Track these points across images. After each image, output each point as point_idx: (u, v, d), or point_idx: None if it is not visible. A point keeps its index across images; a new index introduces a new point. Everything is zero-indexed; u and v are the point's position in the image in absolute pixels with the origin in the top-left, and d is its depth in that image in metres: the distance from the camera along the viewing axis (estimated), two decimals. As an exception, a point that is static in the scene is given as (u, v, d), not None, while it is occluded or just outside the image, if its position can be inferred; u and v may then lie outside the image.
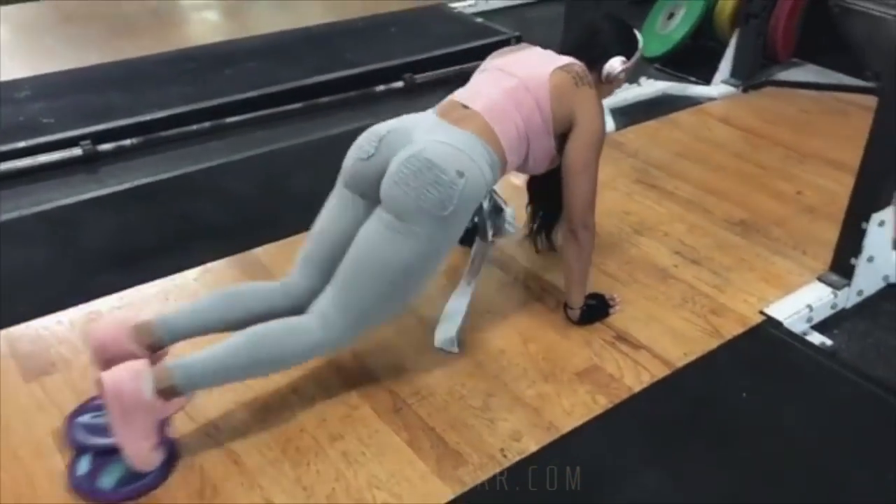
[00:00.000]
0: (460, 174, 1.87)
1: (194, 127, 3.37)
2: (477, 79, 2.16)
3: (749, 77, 3.80)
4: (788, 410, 1.99)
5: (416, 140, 1.92)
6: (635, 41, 2.23)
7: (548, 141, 2.07)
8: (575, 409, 1.97)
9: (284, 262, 2.11)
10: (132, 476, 1.71)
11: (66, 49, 4.21)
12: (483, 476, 1.78)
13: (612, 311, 2.27)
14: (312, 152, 3.24)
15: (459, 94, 2.09)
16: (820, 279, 2.43)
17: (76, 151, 3.14)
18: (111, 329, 1.83)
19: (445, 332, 2.15)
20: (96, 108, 3.40)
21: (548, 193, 2.31)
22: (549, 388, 2.03)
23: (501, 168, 2.01)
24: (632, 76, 3.34)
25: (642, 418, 1.95)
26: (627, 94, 3.74)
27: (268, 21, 4.68)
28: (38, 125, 3.26)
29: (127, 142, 3.24)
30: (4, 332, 2.18)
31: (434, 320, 2.18)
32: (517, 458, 1.82)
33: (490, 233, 2.19)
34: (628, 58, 2.18)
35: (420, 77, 3.89)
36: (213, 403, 1.94)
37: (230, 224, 2.72)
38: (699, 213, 2.80)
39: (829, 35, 3.88)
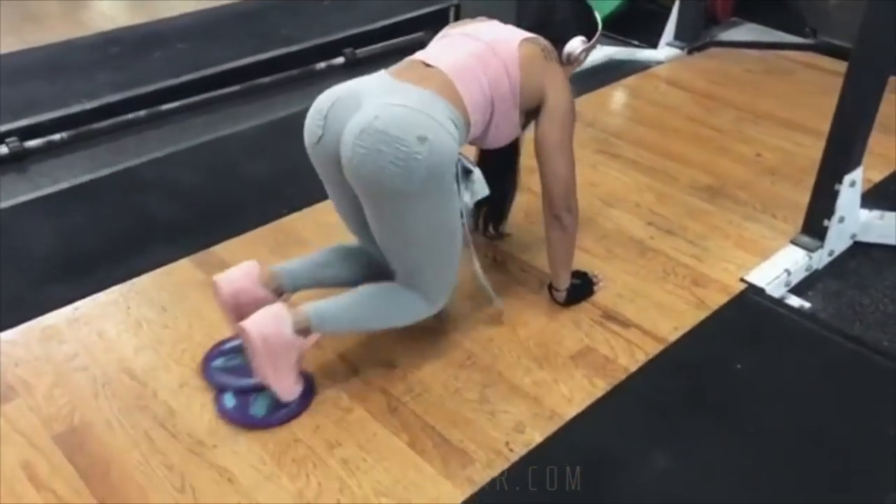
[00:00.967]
0: (421, 139, 1.70)
1: (129, 116, 3.17)
2: (438, 43, 2.03)
3: (693, 39, 3.80)
4: (782, 377, 1.99)
5: (365, 106, 1.76)
6: (595, 20, 2.13)
7: (513, 112, 1.96)
8: (574, 394, 1.92)
9: (249, 256, 2.02)
10: (279, 405, 1.84)
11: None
12: (492, 473, 1.71)
13: (596, 289, 2.23)
14: (259, 137, 3.08)
15: (420, 54, 1.97)
16: (794, 242, 2.44)
17: (2, 150, 2.91)
18: (240, 278, 1.92)
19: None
20: (18, 100, 3.16)
21: (498, 178, 2.17)
22: (546, 374, 1.98)
23: (466, 127, 1.87)
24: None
25: (643, 399, 1.92)
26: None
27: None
28: (-47, 123, 3.01)
29: (57, 136, 3.02)
30: (-50, 357, 2.01)
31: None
32: (524, 451, 1.77)
33: (466, 195, 1.96)
34: (589, 38, 2.10)
35: (361, 52, 3.75)
36: (195, 418, 1.82)
37: (183, 220, 2.56)
38: (665, 180, 2.78)
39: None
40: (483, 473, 1.72)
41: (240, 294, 1.90)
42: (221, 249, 2.39)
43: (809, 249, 2.41)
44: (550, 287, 2.19)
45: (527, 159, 2.19)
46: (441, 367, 1.99)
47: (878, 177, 2.83)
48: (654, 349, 2.05)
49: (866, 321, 2.34)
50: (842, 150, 2.29)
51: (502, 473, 1.71)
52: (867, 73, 2.23)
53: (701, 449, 1.80)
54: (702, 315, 2.17)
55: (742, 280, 2.29)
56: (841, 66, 3.62)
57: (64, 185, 2.75)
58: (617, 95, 3.41)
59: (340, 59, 3.70)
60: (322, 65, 3.65)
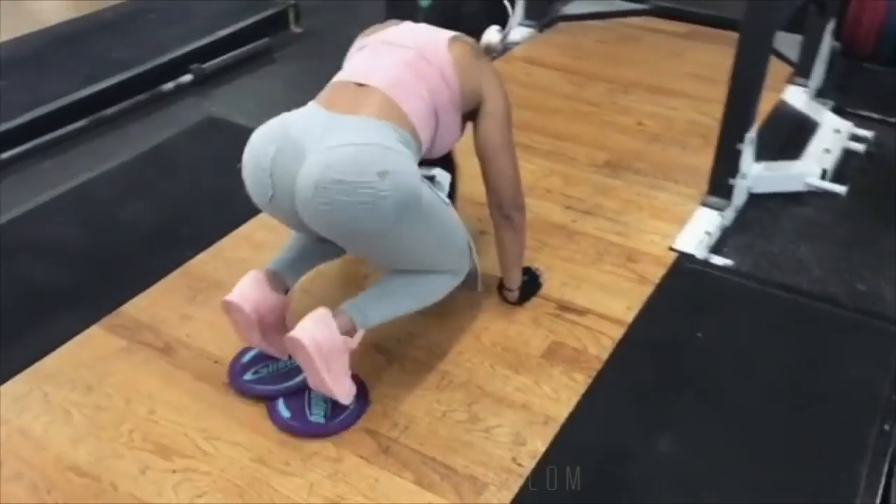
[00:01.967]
0: (382, 175, 1.60)
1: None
2: (360, 56, 1.91)
3: (542, 16, 3.85)
4: (740, 338, 2.06)
5: (309, 155, 1.64)
6: (503, 6, 2.10)
7: (455, 117, 1.89)
8: (559, 393, 1.89)
9: (167, 311, 1.84)
10: (337, 407, 1.80)
11: None
12: (510, 493, 1.65)
13: (541, 281, 2.21)
14: (129, 175, 2.77)
15: (347, 73, 1.84)
16: (704, 204, 2.54)
17: None
18: (253, 290, 1.83)
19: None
20: None
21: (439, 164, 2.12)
22: (524, 378, 1.93)
23: (417, 145, 1.78)
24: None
25: (624, 386, 1.92)
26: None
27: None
28: None
29: None
30: None
31: (377, 345, 1.99)
32: (533, 463, 1.72)
33: (443, 196, 1.88)
34: (503, 25, 2.05)
35: (209, 66, 3.49)
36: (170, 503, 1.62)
37: (75, 283, 2.23)
38: (565, 161, 2.80)
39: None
40: (500, 496, 1.65)
41: (260, 306, 1.83)
42: (132, 308, 2.13)
43: (719, 209, 2.52)
44: (501, 288, 2.14)
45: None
46: (419, 394, 1.89)
47: (751, 130, 3.01)
48: (616, 332, 2.06)
49: (782, 268, 2.48)
50: (740, 112, 2.40)
51: (522, 490, 1.66)
52: (756, 40, 2.34)
53: (693, 424, 1.83)
54: (647, 290, 2.20)
55: (671, 249, 2.36)
56: (678, 27, 3.92)
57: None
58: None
59: (188, 77, 3.42)
60: (170, 85, 3.36)
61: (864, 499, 1.64)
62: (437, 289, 1.88)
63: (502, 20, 2.04)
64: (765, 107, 3.16)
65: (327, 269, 2.15)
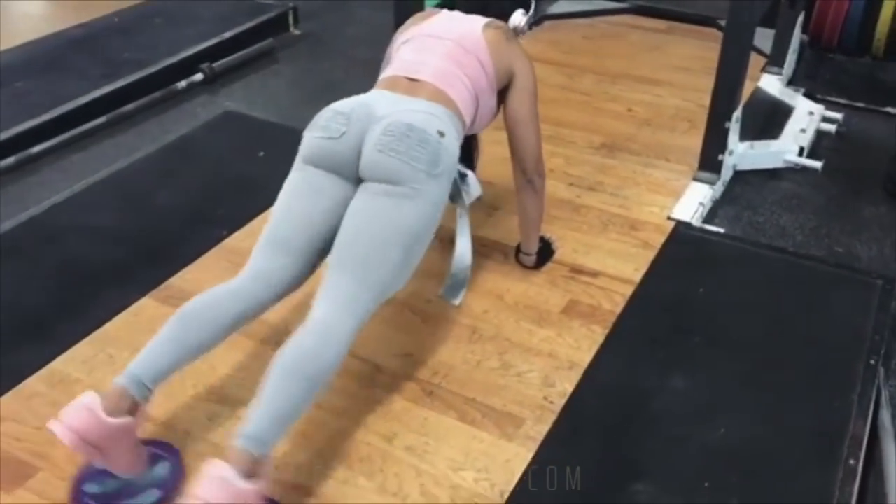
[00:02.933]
0: (441, 133, 1.83)
1: (-3, 165, 2.90)
2: (405, 50, 2.11)
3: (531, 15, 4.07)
4: (738, 291, 2.29)
5: (382, 114, 1.85)
6: None
7: (492, 98, 2.10)
8: (580, 343, 2.09)
9: (213, 282, 1.91)
10: None
11: None
12: (546, 426, 1.85)
13: (554, 248, 2.41)
14: (156, 166, 2.92)
15: (397, 69, 2.04)
16: (696, 179, 2.77)
17: None
18: (84, 417, 1.58)
19: (458, 286, 2.10)
20: None
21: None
22: (548, 331, 2.13)
23: (462, 127, 1.99)
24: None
25: (639, 335, 2.13)
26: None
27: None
28: None
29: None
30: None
31: (410, 305, 2.18)
32: (563, 401, 1.92)
33: (465, 198, 2.10)
34: (527, 8, 2.27)
35: (218, 65, 3.66)
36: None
37: (120, 260, 2.37)
38: (566, 145, 3.01)
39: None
40: (537, 428, 1.85)
41: (90, 435, 1.57)
42: (179, 281, 2.30)
43: (711, 183, 2.75)
44: (518, 253, 2.34)
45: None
46: (453, 347, 2.08)
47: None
48: (627, 290, 2.27)
49: (767, 234, 2.72)
50: (728, 93, 2.63)
51: (556, 424, 1.86)
52: (742, 29, 2.58)
53: (702, 363, 2.04)
54: (651, 254, 2.42)
55: (669, 218, 2.58)
56: (657, 24, 4.17)
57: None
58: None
59: (199, 76, 3.59)
60: (182, 83, 3.52)
61: (856, 421, 1.87)
62: (335, 357, 1.67)
63: (526, 2, 2.26)
64: (743, 93, 3.44)
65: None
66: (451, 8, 2.26)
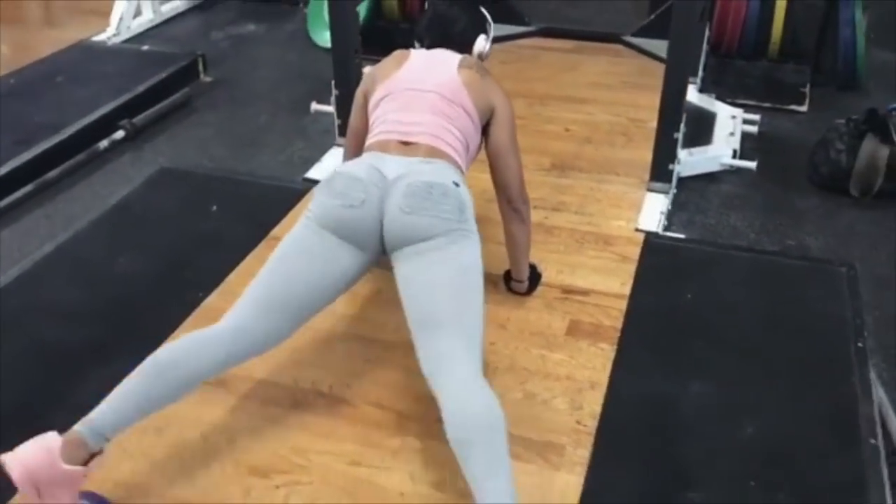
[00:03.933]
0: (456, 184, 1.92)
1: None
2: (389, 109, 2.09)
3: (444, 44, 4.12)
4: (722, 291, 2.40)
5: (394, 176, 1.89)
6: (483, 14, 2.35)
7: (478, 137, 2.15)
8: (593, 362, 2.13)
9: None
10: None
11: None
12: (586, 450, 1.87)
13: (540, 271, 2.45)
14: (102, 230, 2.74)
15: (388, 131, 2.04)
16: (650, 189, 2.88)
17: None
18: (40, 457, 1.56)
19: None
20: None
21: None
22: (559, 354, 2.16)
23: (463, 176, 2.05)
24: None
25: (644, 347, 2.18)
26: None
27: None
28: None
29: None
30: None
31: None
32: (595, 422, 1.94)
33: None
34: (487, 33, 2.31)
35: (138, 120, 3.50)
36: None
37: (97, 340, 2.22)
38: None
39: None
40: (579, 453, 1.86)
41: (38, 475, 1.55)
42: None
43: (664, 192, 2.87)
44: (510, 281, 2.36)
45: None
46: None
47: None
48: (620, 305, 2.33)
49: (723, 235, 2.87)
50: (674, 106, 2.75)
51: (596, 445, 1.88)
52: (685, 47, 2.72)
53: (711, 366, 2.12)
54: (630, 267, 2.49)
55: (637, 230, 2.67)
56: (564, 44, 4.31)
57: None
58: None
59: (120, 133, 3.42)
60: (104, 143, 3.35)
61: (863, 402, 1.99)
62: (496, 404, 1.69)
63: (485, 26, 2.30)
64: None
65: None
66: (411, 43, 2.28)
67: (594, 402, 2.00)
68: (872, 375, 2.19)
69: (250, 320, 1.81)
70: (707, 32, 3.84)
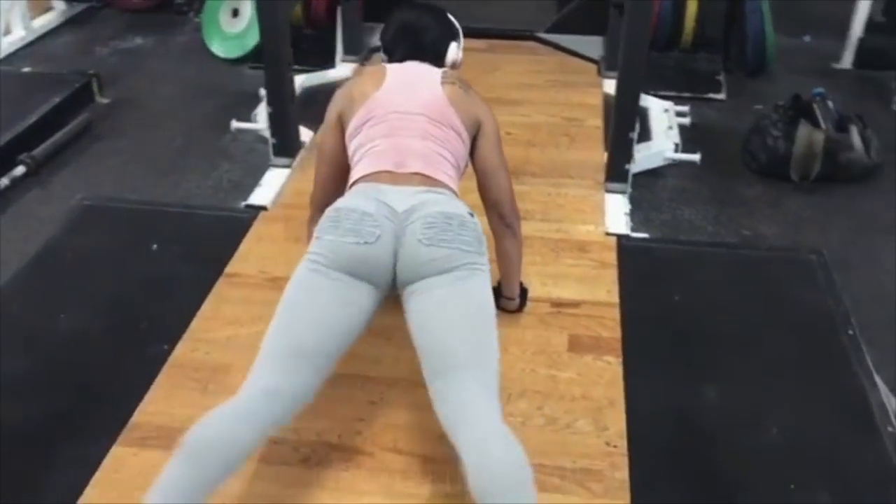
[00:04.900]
0: (471, 213, 1.84)
1: None
2: (375, 135, 1.94)
3: (359, 49, 3.96)
4: (703, 290, 2.40)
5: (404, 208, 1.77)
6: (451, 19, 2.24)
7: (467, 155, 2.04)
8: (603, 376, 2.07)
9: (187, 409, 1.74)
10: None
11: None
12: (623, 471, 1.80)
13: (524, 286, 2.36)
14: (33, 282, 2.42)
15: (380, 162, 1.89)
16: (609, 191, 2.85)
17: None
18: None
19: None
20: None
21: None
22: (568, 373, 2.08)
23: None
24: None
25: (648, 355, 2.14)
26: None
27: None
28: None
29: None
30: None
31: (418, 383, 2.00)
32: (624, 441, 1.88)
33: None
34: (457, 40, 2.20)
35: (38, 153, 3.15)
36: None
37: (57, 410, 1.96)
38: (468, 178, 2.95)
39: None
40: (618, 476, 1.80)
41: None
42: (146, 417, 1.93)
43: (622, 192, 2.84)
44: (499, 298, 2.25)
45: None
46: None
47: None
48: (613, 314, 2.28)
49: (683, 230, 2.88)
50: (630, 107, 2.72)
51: (632, 465, 1.82)
52: (638, 49, 2.68)
53: (719, 368, 2.11)
54: (611, 272, 2.45)
55: (607, 234, 2.63)
56: (477, 44, 4.22)
57: None
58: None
59: (21, 169, 3.06)
60: (4, 181, 2.98)
61: (871, 391, 2.03)
62: (521, 452, 1.59)
63: (456, 33, 2.18)
64: (594, 100, 3.61)
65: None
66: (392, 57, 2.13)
67: (618, 421, 1.93)
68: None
69: (280, 378, 1.64)
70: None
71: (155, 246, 2.55)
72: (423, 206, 1.79)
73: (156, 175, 3.12)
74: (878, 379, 2.18)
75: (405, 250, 1.73)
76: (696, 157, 3.14)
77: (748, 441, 1.90)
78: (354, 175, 1.95)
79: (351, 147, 2.00)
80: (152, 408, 1.97)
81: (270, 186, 2.87)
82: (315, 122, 3.28)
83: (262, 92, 3.62)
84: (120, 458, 1.84)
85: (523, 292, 2.30)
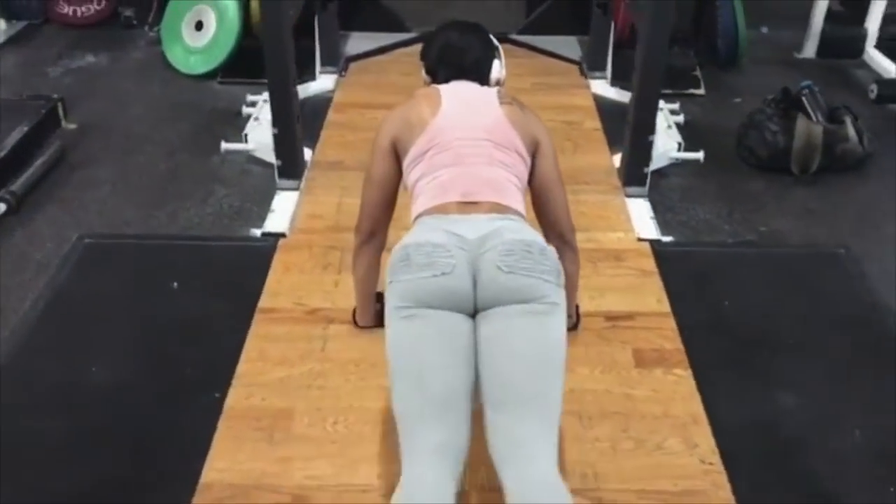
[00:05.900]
0: (545, 243, 1.73)
1: None
2: (439, 164, 1.81)
3: (336, 61, 3.83)
4: (748, 293, 2.42)
5: (476, 237, 1.67)
6: (489, 36, 2.17)
7: (527, 176, 1.96)
8: (678, 390, 2.05)
9: (259, 462, 1.70)
10: None
11: None
12: (726, 489, 1.79)
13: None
14: (46, 332, 2.23)
15: (446, 194, 1.78)
16: (629, 195, 2.85)
17: None
18: None
19: None
20: None
21: None
22: (641, 389, 2.05)
23: None
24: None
25: (715, 365, 2.14)
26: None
27: None
28: None
29: None
30: None
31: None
32: (717, 458, 1.86)
33: None
34: (499, 56, 2.13)
35: (17, 187, 2.90)
36: None
37: (117, 474, 1.81)
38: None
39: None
40: (722, 495, 1.78)
41: None
42: (217, 475, 1.80)
43: (642, 196, 2.84)
44: (556, 319, 2.21)
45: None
46: (577, 443, 1.90)
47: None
48: (669, 324, 2.27)
49: (702, 231, 2.88)
50: (649, 111, 2.71)
51: (732, 481, 1.80)
52: (657, 55, 2.69)
53: (786, 373, 2.12)
54: (654, 280, 2.44)
55: (639, 240, 2.61)
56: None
57: None
58: (336, 134, 3.31)
59: (1, 207, 2.82)
60: (-14, 222, 2.75)
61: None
62: None
63: (495, 50, 2.11)
64: (586, 102, 3.60)
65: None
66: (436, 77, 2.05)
67: (706, 436, 1.91)
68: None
69: (442, 436, 1.54)
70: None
71: (175, 284, 2.39)
72: (497, 233, 1.70)
73: (147, 205, 2.93)
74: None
75: (484, 277, 1.63)
76: (699, 154, 3.16)
77: (836, 447, 1.91)
78: (419, 208, 1.85)
79: (411, 176, 1.90)
80: (221, 464, 1.84)
81: (283, 211, 2.74)
82: (306, 140, 3.17)
83: (247, 110, 3.49)
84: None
85: (577, 311, 2.26)
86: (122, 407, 2.00)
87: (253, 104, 3.47)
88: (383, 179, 2.01)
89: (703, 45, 4.21)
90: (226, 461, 1.84)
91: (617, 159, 3.04)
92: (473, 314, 1.69)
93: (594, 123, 3.36)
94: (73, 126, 3.48)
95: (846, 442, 1.92)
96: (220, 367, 2.10)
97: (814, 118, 3.24)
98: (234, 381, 2.06)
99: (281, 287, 2.39)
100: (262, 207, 2.92)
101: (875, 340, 2.22)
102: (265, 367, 2.11)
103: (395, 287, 1.67)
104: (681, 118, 3.48)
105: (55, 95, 3.47)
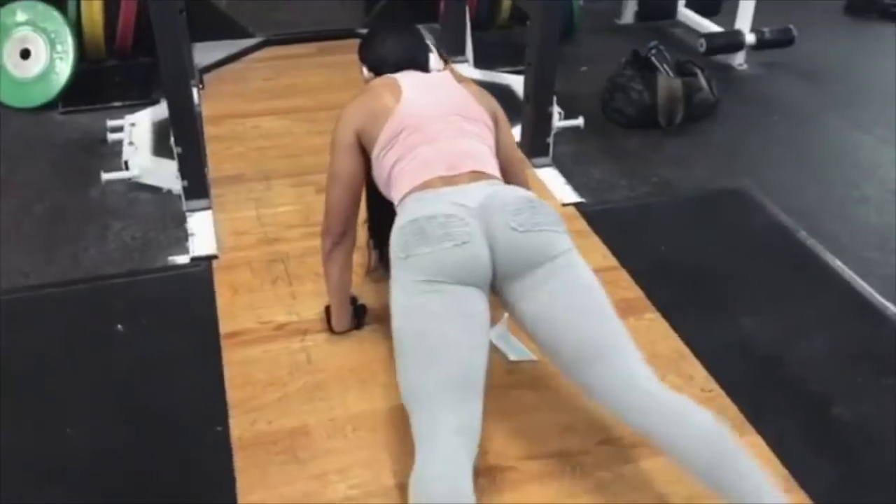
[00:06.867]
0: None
1: None
2: (414, 142, 1.86)
3: (192, 75, 3.62)
4: (683, 236, 2.60)
5: (478, 204, 1.72)
6: (422, 33, 2.28)
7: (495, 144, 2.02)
8: (655, 331, 2.19)
9: (284, 487, 1.67)
10: None
11: None
12: (735, 410, 1.93)
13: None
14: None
15: (430, 170, 1.82)
16: (536, 166, 2.97)
17: None
18: None
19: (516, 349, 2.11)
20: None
21: (386, 219, 1.99)
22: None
23: None
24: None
25: (674, 304, 2.28)
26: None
27: None
28: None
29: None
30: None
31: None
32: (714, 384, 2.01)
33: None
34: (432, 50, 2.21)
35: None
36: None
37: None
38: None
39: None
40: (730, 412, 1.92)
41: None
42: (252, 499, 1.70)
43: (548, 165, 2.97)
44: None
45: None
46: (581, 398, 1.94)
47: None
48: (623, 276, 2.40)
49: (603, 189, 3.07)
50: (548, 83, 2.84)
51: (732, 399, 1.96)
52: (551, 28, 2.80)
53: (735, 297, 2.31)
54: (594, 240, 2.55)
55: (564, 205, 2.73)
56: (305, 49, 4.08)
57: None
58: (222, 146, 3.15)
59: None
60: None
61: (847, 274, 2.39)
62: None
63: (428, 46, 2.19)
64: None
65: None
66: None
67: (697, 368, 2.07)
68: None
69: (460, 415, 1.55)
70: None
71: (119, 326, 2.19)
72: (495, 196, 1.74)
73: (40, 252, 2.64)
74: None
75: (500, 241, 1.68)
76: (579, 121, 3.34)
77: (810, 353, 2.12)
78: (404, 188, 1.83)
79: (386, 161, 1.89)
80: (255, 497, 1.74)
81: (203, 233, 2.58)
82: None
83: (114, 136, 3.23)
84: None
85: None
86: (120, 463, 1.82)
87: (118, 129, 3.23)
88: (350, 176, 1.99)
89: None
90: (259, 493, 1.74)
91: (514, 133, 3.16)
92: (491, 283, 1.72)
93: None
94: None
95: (817, 349, 2.14)
96: (206, 400, 1.97)
97: (667, 73, 3.55)
98: (232, 412, 1.94)
99: (236, 309, 2.27)
100: (168, 234, 2.76)
101: (799, 262, 2.49)
102: (256, 391, 2.00)
103: (413, 261, 1.66)
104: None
105: None
